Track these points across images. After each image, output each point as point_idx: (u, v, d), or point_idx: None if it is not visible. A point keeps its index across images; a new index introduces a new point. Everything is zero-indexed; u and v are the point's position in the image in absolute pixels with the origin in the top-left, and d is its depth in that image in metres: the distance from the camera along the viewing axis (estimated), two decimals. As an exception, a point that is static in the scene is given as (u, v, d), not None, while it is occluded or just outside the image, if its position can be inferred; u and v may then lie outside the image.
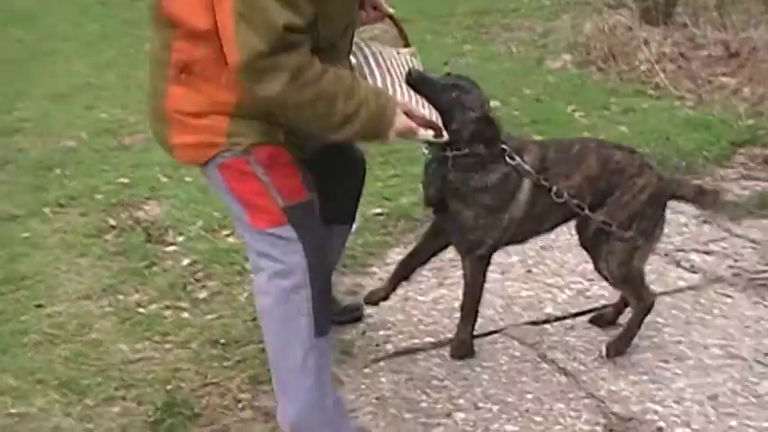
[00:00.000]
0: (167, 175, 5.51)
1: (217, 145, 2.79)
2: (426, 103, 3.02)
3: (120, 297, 4.18)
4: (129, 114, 6.74)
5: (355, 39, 3.02)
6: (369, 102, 2.72)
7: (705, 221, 4.71)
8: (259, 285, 2.97)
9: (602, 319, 3.83)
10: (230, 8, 2.53)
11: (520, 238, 3.60)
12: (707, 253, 4.39)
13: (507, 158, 3.32)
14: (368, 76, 2.97)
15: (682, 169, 5.24)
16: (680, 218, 4.71)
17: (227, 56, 2.60)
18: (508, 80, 6.98)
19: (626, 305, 3.73)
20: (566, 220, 3.57)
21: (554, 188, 3.35)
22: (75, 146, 6.14)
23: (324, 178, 3.05)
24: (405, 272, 3.69)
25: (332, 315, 3.17)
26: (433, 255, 3.70)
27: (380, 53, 3.09)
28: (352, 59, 3.00)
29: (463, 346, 3.62)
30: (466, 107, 3.22)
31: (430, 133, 2.93)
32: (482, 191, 3.33)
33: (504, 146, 3.32)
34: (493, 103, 6.26)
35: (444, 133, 2.99)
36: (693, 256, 4.37)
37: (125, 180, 5.47)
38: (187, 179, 5.41)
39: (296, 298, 2.87)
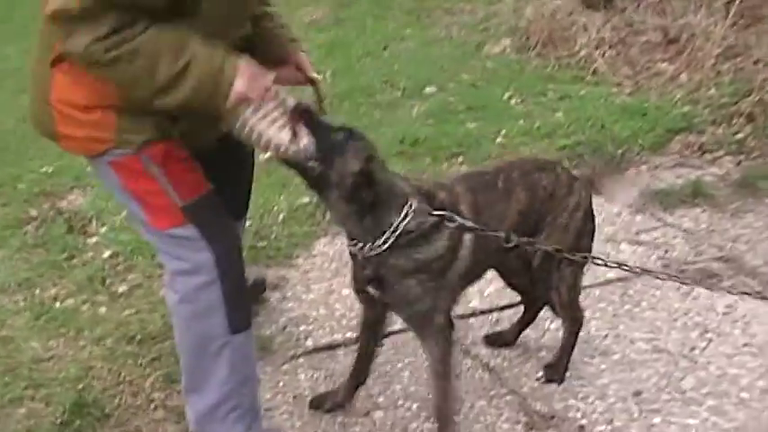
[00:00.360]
0: (93, 163, 5.36)
1: (105, 141, 2.62)
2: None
3: (37, 291, 4.07)
4: (58, 100, 6.55)
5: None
6: (199, 60, 2.44)
7: (638, 210, 4.65)
8: (167, 282, 2.88)
9: (500, 338, 3.60)
10: None
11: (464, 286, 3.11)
12: (638, 243, 4.33)
13: (447, 222, 2.82)
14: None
15: (617, 158, 5.19)
16: (613, 207, 4.66)
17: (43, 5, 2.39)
18: (447, 65, 6.88)
19: (527, 324, 3.59)
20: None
21: (502, 234, 2.88)
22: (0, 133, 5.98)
23: (212, 173, 2.83)
24: (358, 379, 3.23)
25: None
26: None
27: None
28: None
29: None
30: (348, 155, 2.65)
31: (283, 137, 2.54)
32: (429, 262, 2.84)
33: (437, 210, 2.83)
34: (429, 89, 6.34)
35: (301, 143, 2.56)
36: (624, 246, 4.31)
37: (49, 169, 5.33)
38: (113, 168, 5.26)
39: (205, 296, 2.76)
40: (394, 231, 2.74)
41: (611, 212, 4.60)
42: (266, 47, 2.87)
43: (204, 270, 2.74)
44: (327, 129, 2.65)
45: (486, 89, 6.28)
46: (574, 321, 3.38)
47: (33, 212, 4.80)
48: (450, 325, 2.95)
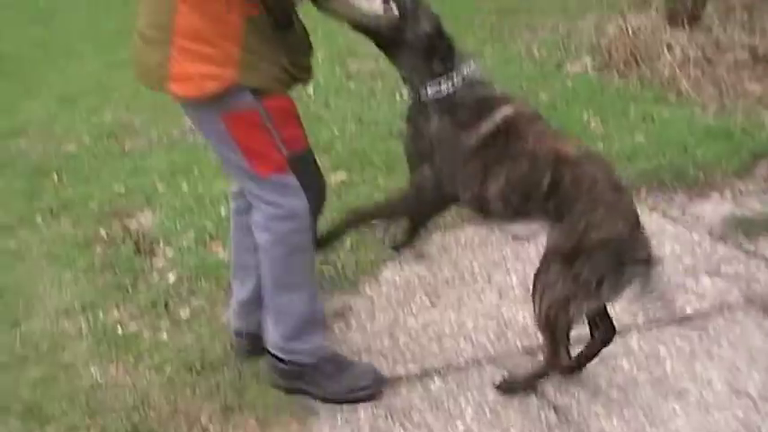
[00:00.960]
0: (164, 183, 5.35)
1: (225, 79, 2.84)
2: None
3: (100, 315, 4.02)
4: (134, 117, 6.59)
5: None
6: None
7: (720, 239, 4.44)
8: (258, 223, 3.17)
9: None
10: None
11: (467, 196, 3.19)
12: (718, 275, 4.13)
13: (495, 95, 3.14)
14: None
15: (699, 183, 4.99)
16: (693, 235, 4.46)
17: None
18: (526, 84, 6.73)
19: (592, 355, 3.41)
20: (520, 200, 3.10)
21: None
22: (75, 150, 6.01)
23: None
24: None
25: None
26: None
27: None
28: None
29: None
30: (421, 17, 3.10)
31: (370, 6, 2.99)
32: (450, 110, 3.12)
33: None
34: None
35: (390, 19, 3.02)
36: (704, 279, 4.11)
37: (121, 188, 5.32)
38: (184, 188, 5.25)
39: (297, 238, 3.14)
40: (462, 78, 3.10)
41: (692, 241, 4.41)
42: None
43: (299, 215, 3.11)
44: None
45: (565, 109, 6.11)
46: (550, 358, 3.21)
47: (102, 232, 4.78)
48: (434, 188, 3.19)
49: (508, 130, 3.06)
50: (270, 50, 2.90)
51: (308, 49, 3.13)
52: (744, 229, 4.51)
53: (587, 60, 7.03)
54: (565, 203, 3.00)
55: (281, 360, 3.35)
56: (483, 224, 4.60)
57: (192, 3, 2.79)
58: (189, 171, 5.49)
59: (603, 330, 3.36)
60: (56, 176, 5.56)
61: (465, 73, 3.11)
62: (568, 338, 3.18)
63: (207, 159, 5.64)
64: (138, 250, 4.57)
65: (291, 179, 3.07)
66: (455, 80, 3.10)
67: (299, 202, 3.09)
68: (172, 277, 4.29)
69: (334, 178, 5.15)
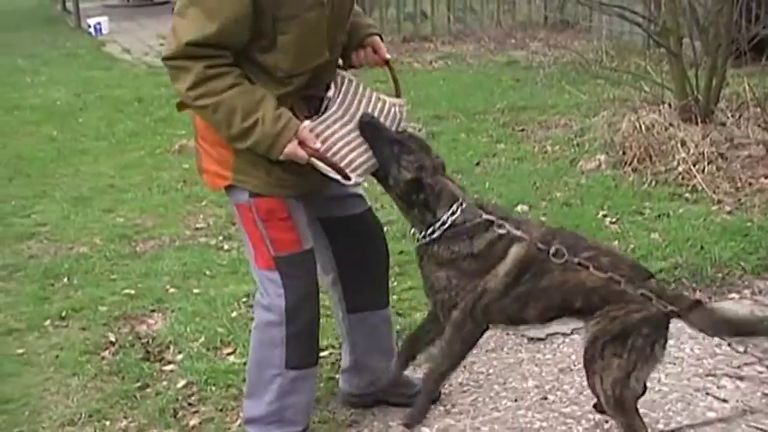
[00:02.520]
0: (175, 285, 5.30)
1: (225, 177, 3.26)
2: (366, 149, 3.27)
3: (107, 424, 3.94)
4: (146, 219, 6.57)
5: (344, 72, 3.38)
6: (266, 122, 3.03)
7: (740, 341, 4.34)
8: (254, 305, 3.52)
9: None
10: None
11: (502, 318, 3.41)
12: (740, 378, 4.03)
13: (496, 227, 3.28)
14: (330, 107, 3.26)
15: (717, 282, 4.91)
16: (713, 338, 4.35)
17: None
18: (539, 182, 6.71)
19: None
20: (556, 315, 3.37)
21: (553, 248, 3.23)
22: (87, 252, 5.96)
23: (346, 261, 3.62)
24: (410, 350, 3.66)
25: (405, 398, 3.78)
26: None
27: (361, 92, 3.34)
28: (331, 88, 3.29)
29: (414, 418, 3.53)
30: (401, 166, 3.27)
31: (328, 171, 3.15)
32: (463, 257, 3.28)
33: (489, 216, 3.31)
34: (521, 208, 6.14)
35: (351, 177, 3.18)
36: (725, 382, 4.01)
37: (131, 291, 5.26)
38: (195, 290, 5.20)
39: (272, 331, 3.36)
40: (442, 225, 3.27)
41: (711, 343, 4.30)
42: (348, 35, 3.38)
43: (276, 311, 3.34)
44: (383, 141, 3.26)
45: (580, 208, 6.07)
46: (627, 428, 3.25)
47: (112, 337, 4.71)
48: (473, 325, 3.33)
49: (531, 268, 3.25)
50: (258, 159, 3.17)
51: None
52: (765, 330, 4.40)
53: (601, 157, 7.01)
54: (598, 308, 3.24)
55: None
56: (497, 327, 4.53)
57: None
58: (200, 273, 5.44)
59: None
60: (66, 279, 5.51)
61: (446, 219, 3.29)
62: (637, 410, 3.27)
63: (219, 261, 5.61)
64: (147, 355, 4.50)
65: (276, 277, 3.32)
66: (437, 227, 3.29)
67: (279, 300, 3.32)
68: (181, 382, 4.21)
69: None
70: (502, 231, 3.26)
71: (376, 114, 3.30)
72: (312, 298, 3.41)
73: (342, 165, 3.18)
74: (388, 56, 3.51)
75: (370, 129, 3.26)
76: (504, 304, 3.30)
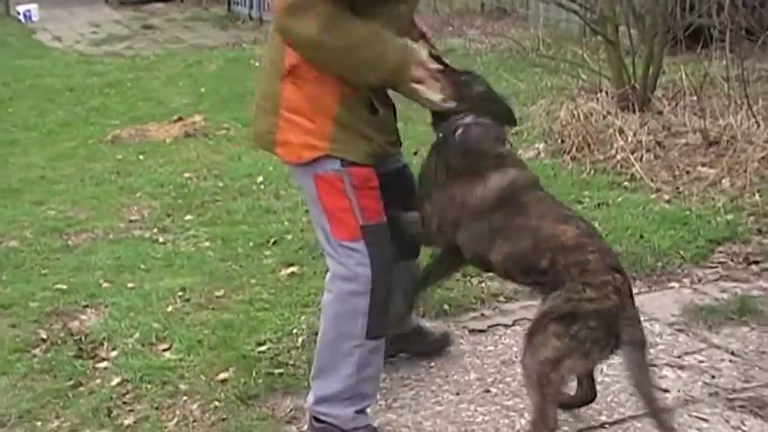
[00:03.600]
0: (109, 279, 5.17)
1: (318, 148, 3.26)
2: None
3: (38, 424, 3.82)
4: (79, 211, 6.42)
5: None
6: (388, 49, 3.14)
7: (681, 330, 4.35)
8: (326, 282, 3.46)
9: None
10: None
11: (470, 251, 3.40)
12: (681, 368, 4.02)
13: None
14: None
15: (657, 271, 4.91)
16: (654, 326, 4.36)
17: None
18: (479, 171, 6.66)
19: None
20: (520, 269, 3.30)
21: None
22: (17, 246, 5.81)
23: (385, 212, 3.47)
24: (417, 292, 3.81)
25: (423, 346, 4.08)
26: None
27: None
28: None
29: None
30: (474, 85, 3.40)
31: (437, 97, 3.27)
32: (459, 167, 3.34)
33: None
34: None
35: (450, 102, 3.29)
36: (666, 372, 4.00)
37: (63, 286, 5.12)
38: (129, 285, 5.07)
39: (355, 301, 3.36)
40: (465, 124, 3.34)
41: (652, 332, 4.29)
42: None
43: (360, 280, 3.34)
44: (455, 72, 3.38)
45: (520, 197, 6.04)
46: (538, 421, 3.20)
47: (43, 334, 4.57)
48: (439, 235, 3.41)
49: (512, 200, 3.28)
50: (362, 128, 3.27)
51: (394, 126, 3.48)
52: (704, 319, 4.42)
53: (540, 146, 6.99)
54: (560, 282, 3.16)
55: (316, 419, 3.53)
56: (438, 319, 4.49)
57: (294, 82, 3.24)
58: (135, 267, 5.32)
59: (587, 390, 3.53)
60: (-5, 275, 5.36)
61: (475, 121, 3.35)
62: (557, 401, 3.21)
63: (154, 254, 5.50)
64: (79, 352, 4.38)
65: (361, 246, 3.33)
66: (466, 124, 3.35)
67: (364, 269, 3.33)
68: (116, 380, 4.10)
69: (284, 272, 5.02)
70: (499, 152, 3.35)
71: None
72: (392, 268, 3.46)
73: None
74: (424, 29, 3.67)
75: (443, 66, 3.33)
76: (476, 231, 3.31)
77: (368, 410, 3.56)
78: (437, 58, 3.34)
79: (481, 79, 3.50)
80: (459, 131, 3.34)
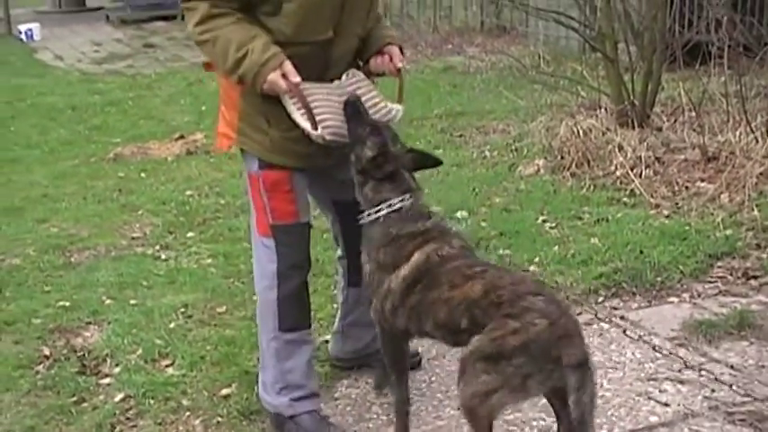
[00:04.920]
0: (112, 296, 5.20)
1: (231, 138, 3.61)
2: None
3: (41, 441, 3.84)
4: (81, 229, 6.44)
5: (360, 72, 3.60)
6: (254, 53, 3.28)
7: (680, 345, 4.37)
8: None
9: None
10: None
11: (412, 328, 3.44)
12: (681, 382, 4.04)
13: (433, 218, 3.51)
14: (328, 84, 3.47)
15: (656, 286, 4.94)
16: (654, 340, 4.39)
17: None
18: (479, 187, 6.70)
19: None
20: (449, 333, 3.31)
21: (444, 251, 3.37)
22: (20, 263, 5.83)
23: (352, 240, 3.74)
24: None
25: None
26: None
27: (364, 85, 3.55)
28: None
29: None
30: (366, 145, 3.43)
31: (303, 122, 3.36)
32: (384, 246, 3.44)
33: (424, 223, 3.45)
34: (460, 214, 6.12)
35: (318, 129, 3.35)
36: (667, 386, 4.02)
37: (66, 303, 5.14)
38: (132, 301, 5.10)
39: (267, 295, 3.67)
40: (388, 207, 3.44)
41: (652, 347, 4.32)
42: (368, 40, 3.64)
43: (268, 275, 3.64)
44: (358, 122, 3.42)
45: (520, 213, 6.08)
46: None
47: (46, 351, 4.60)
48: (387, 327, 3.49)
49: (424, 277, 3.32)
50: (257, 121, 3.51)
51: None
52: (704, 333, 4.44)
53: (540, 162, 7.03)
54: (483, 327, 3.10)
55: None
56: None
57: (224, 78, 3.53)
58: (137, 284, 5.35)
59: (566, 424, 3.29)
60: (-1, 292, 5.38)
61: (393, 205, 3.45)
62: (491, 429, 3.15)
63: (156, 271, 5.52)
64: (83, 369, 4.40)
65: (271, 243, 3.61)
66: (383, 211, 3.46)
67: (272, 265, 3.61)
68: (119, 396, 4.13)
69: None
70: (417, 229, 3.40)
71: (368, 106, 3.49)
72: (303, 267, 3.70)
73: (316, 118, 3.36)
74: (400, 65, 3.66)
75: (351, 108, 3.43)
76: (405, 311, 3.37)
77: (313, 398, 3.74)
78: (351, 104, 3.42)
79: (390, 134, 3.51)
80: (379, 225, 3.45)
